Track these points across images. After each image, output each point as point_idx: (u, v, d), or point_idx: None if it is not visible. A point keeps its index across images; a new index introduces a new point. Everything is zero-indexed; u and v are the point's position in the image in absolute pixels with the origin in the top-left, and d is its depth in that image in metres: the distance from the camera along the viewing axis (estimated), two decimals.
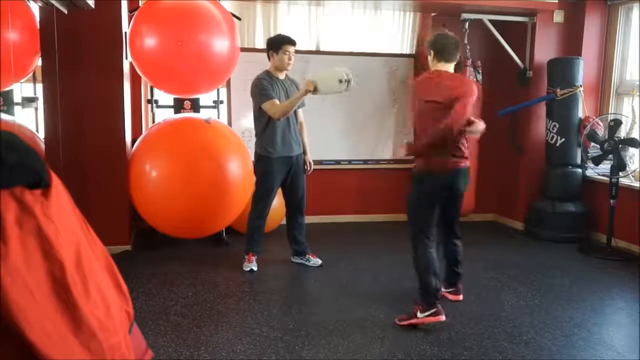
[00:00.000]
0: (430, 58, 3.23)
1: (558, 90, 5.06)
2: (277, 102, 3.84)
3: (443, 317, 3.11)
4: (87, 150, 4.26)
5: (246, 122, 5.06)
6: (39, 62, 4.22)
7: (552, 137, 5.15)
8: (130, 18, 4.35)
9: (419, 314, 3.09)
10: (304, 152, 4.16)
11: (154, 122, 4.99)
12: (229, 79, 4.96)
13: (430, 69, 3.24)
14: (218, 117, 4.85)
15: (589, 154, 5.00)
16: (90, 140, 4.26)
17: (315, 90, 3.69)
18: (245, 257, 4.09)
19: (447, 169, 3.14)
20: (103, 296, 1.09)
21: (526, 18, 5.37)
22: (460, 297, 3.54)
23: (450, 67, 3.21)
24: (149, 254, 4.39)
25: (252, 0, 5.29)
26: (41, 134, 4.50)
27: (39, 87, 4.58)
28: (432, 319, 3.09)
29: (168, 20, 4.13)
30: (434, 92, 3.09)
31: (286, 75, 4.05)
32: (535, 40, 5.37)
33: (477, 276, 4.00)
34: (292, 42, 3.93)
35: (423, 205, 3.21)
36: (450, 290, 3.57)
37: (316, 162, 4.44)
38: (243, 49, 4.83)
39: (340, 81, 3.59)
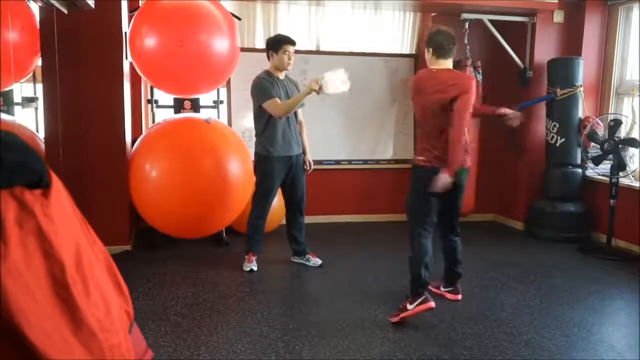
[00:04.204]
0: (429, 56, 3.23)
1: (558, 90, 5.07)
2: (278, 101, 3.84)
3: (432, 303, 3.11)
4: (87, 150, 4.26)
5: (246, 122, 5.07)
6: (39, 62, 4.22)
7: (552, 137, 5.15)
8: (130, 18, 4.35)
9: (408, 306, 3.10)
10: (304, 152, 4.16)
11: (154, 122, 4.99)
12: (229, 79, 4.96)
13: (430, 67, 3.23)
14: (218, 117, 4.85)
15: (589, 154, 5.00)
16: (90, 140, 4.26)
17: (320, 90, 3.67)
18: (245, 257, 4.09)
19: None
20: (103, 296, 1.09)
21: (526, 18, 5.37)
22: (459, 296, 3.54)
23: (449, 64, 3.22)
24: (149, 254, 4.39)
25: (252, 0, 5.29)
26: (41, 134, 4.50)
27: (39, 87, 4.58)
28: (421, 307, 3.09)
29: (168, 20, 4.13)
30: (437, 89, 3.11)
31: (286, 75, 4.05)
32: (535, 40, 5.37)
33: (477, 276, 4.00)
34: (291, 42, 3.93)
35: (420, 197, 3.21)
36: (448, 289, 3.57)
37: (316, 162, 4.45)
38: (243, 49, 4.83)
39: (343, 82, 3.60)
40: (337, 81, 3.63)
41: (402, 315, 3.11)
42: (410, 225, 3.29)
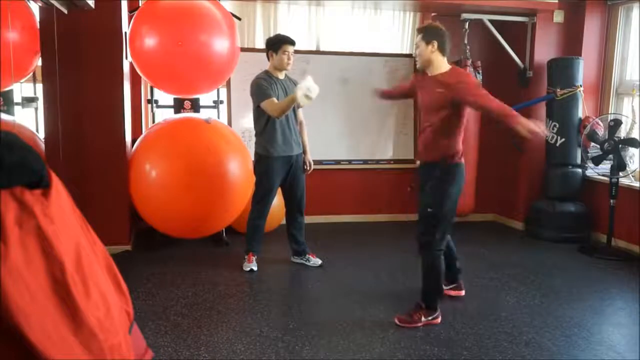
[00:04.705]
0: (431, 49, 3.01)
1: (558, 90, 5.06)
2: (276, 100, 3.83)
3: (440, 319, 3.17)
4: (87, 151, 4.26)
5: (246, 122, 5.06)
6: (39, 62, 4.22)
7: (552, 137, 5.15)
8: (130, 18, 4.35)
9: (423, 318, 3.11)
10: (304, 152, 4.16)
11: (154, 122, 4.99)
12: (229, 79, 4.96)
13: (450, 65, 3.10)
14: (218, 117, 4.85)
15: (589, 154, 5.00)
16: (90, 140, 4.26)
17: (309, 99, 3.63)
18: (245, 257, 4.09)
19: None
20: (103, 296, 1.09)
21: (526, 18, 5.37)
22: (463, 292, 3.56)
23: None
24: (149, 254, 4.39)
25: (252, 0, 5.29)
26: (41, 134, 4.50)
27: (39, 87, 4.58)
28: (432, 322, 3.14)
29: (168, 20, 4.13)
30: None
31: (286, 75, 4.05)
32: (535, 40, 5.37)
33: (477, 276, 3.99)
34: (291, 42, 3.93)
35: (456, 199, 3.10)
36: (451, 287, 3.57)
37: (316, 162, 4.44)
38: (243, 49, 4.83)
39: (312, 90, 3.58)
40: (311, 85, 3.59)
41: (415, 325, 3.09)
42: (436, 232, 3.05)
